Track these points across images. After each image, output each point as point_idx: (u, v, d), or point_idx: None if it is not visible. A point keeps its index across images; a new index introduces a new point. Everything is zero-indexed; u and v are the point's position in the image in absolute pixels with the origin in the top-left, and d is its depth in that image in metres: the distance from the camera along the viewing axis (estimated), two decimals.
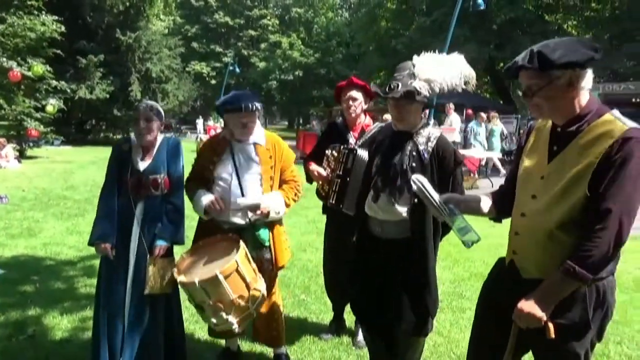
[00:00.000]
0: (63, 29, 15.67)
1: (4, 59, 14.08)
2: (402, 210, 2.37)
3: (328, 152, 3.12)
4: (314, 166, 3.24)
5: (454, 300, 4.20)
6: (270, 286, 2.81)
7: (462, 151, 11.94)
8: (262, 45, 40.25)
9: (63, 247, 5.60)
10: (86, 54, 20.04)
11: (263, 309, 2.82)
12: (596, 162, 1.56)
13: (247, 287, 2.40)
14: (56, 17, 15.60)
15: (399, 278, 2.36)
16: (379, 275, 2.42)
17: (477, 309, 1.95)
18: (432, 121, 12.32)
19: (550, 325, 1.59)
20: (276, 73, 37.35)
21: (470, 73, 2.38)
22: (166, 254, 2.72)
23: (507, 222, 1.92)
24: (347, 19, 40.52)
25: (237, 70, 31.09)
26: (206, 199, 2.70)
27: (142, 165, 2.74)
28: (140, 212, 2.70)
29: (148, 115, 2.68)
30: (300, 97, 37.84)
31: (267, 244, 2.80)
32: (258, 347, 3.19)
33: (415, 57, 2.41)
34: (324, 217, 3.46)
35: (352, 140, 3.22)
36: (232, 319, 2.35)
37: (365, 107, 3.28)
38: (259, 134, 2.81)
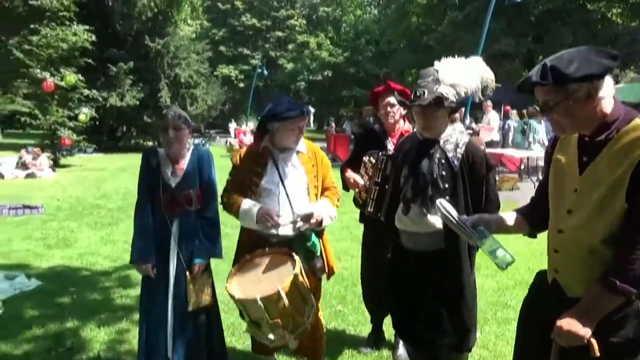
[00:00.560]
0: (94, 38, 16.12)
1: (38, 70, 14.60)
2: (435, 220, 2.35)
3: (365, 159, 3.14)
4: (350, 173, 3.25)
5: (498, 310, 4.09)
6: (316, 297, 2.82)
7: (500, 150, 11.75)
8: (290, 46, 40.58)
9: (98, 257, 5.69)
10: (116, 61, 20.40)
11: None
12: (631, 170, 1.52)
13: (304, 300, 2.41)
14: (87, 27, 16.07)
15: (432, 291, 2.35)
16: (411, 288, 2.41)
17: (519, 325, 1.91)
18: (468, 119, 12.04)
19: (594, 343, 1.55)
20: (304, 74, 37.68)
21: (489, 76, 2.38)
22: (204, 268, 2.76)
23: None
24: (375, 16, 40.62)
25: (266, 72, 30.95)
26: (256, 210, 2.67)
27: (174, 181, 2.75)
28: (176, 229, 2.71)
29: (177, 124, 2.67)
30: (329, 98, 38.00)
31: (318, 252, 2.80)
32: None
33: (436, 62, 2.42)
34: (359, 224, 3.45)
35: (390, 147, 3.23)
36: (290, 335, 2.35)
37: (403, 112, 3.29)
38: (300, 142, 2.82)
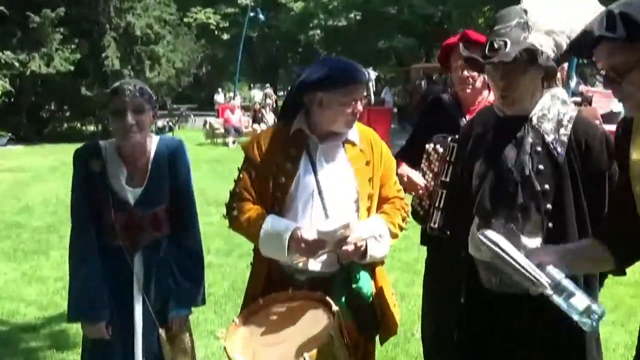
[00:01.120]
0: None
1: None
2: (531, 243, 2.36)
3: (429, 146, 3.16)
4: (405, 169, 3.30)
5: None
6: None
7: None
8: None
9: (20, 303, 5.60)
10: (39, 8, 20.45)
11: None
12: None
13: None
14: None
15: (534, 357, 2.37)
16: (498, 352, 2.44)
17: None
18: (573, 81, 12.13)
19: None
20: (320, 18, 37.67)
21: None
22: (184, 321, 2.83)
23: None
24: None
25: (262, 17, 31.56)
26: (290, 233, 2.68)
27: (132, 194, 2.75)
28: (139, 266, 2.72)
29: (138, 105, 2.67)
30: (358, 52, 35.74)
31: (369, 299, 2.78)
32: None
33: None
34: (415, 246, 3.45)
35: None
36: None
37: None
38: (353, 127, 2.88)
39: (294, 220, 2.74)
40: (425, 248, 3.54)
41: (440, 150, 3.12)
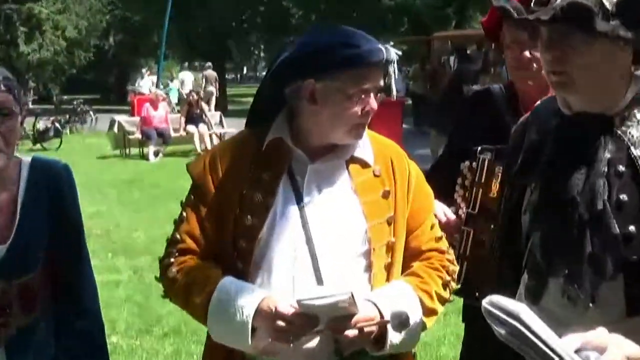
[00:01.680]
0: None
1: None
2: (608, 315, 2.52)
3: (465, 166, 3.40)
4: (437, 209, 3.43)
5: None
6: None
7: None
8: None
9: None
10: None
11: None
12: None
13: None
14: None
15: None
16: None
17: None
18: None
19: None
20: None
21: None
22: None
23: None
24: None
25: None
26: (255, 307, 2.75)
27: None
28: None
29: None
30: (349, 12, 37.73)
31: None
32: None
33: None
34: (447, 321, 4.72)
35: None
36: None
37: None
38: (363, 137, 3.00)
39: (266, 286, 2.83)
40: (462, 324, 3.91)
41: (485, 169, 3.32)
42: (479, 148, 3.35)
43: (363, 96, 2.75)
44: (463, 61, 23.07)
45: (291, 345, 2.70)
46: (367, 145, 2.95)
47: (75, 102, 29.67)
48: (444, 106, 15.81)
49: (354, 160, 2.91)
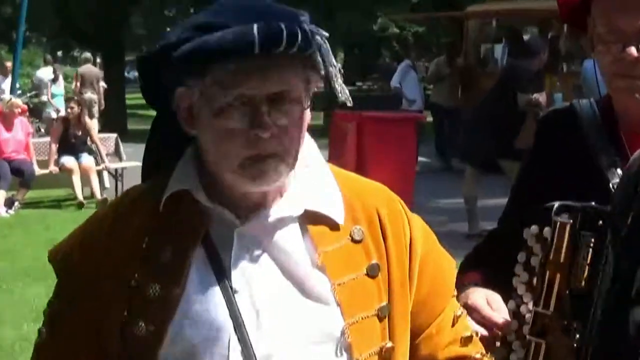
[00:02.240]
0: None
1: None
2: None
3: (530, 233, 3.14)
4: (480, 294, 3.16)
5: None
6: None
7: None
8: None
9: None
10: None
11: None
12: None
13: None
14: None
15: None
16: None
17: None
18: None
19: None
20: None
21: None
22: None
23: None
24: None
25: None
26: None
27: None
28: None
29: None
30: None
31: None
32: None
33: None
34: None
35: None
36: None
37: None
38: (322, 174, 2.41)
39: None
40: None
41: (565, 242, 2.97)
42: (556, 205, 2.70)
43: (245, 110, 2.06)
44: (517, 53, 17.50)
45: None
46: (335, 192, 2.30)
47: None
48: (487, 128, 12.54)
49: (315, 218, 2.23)
